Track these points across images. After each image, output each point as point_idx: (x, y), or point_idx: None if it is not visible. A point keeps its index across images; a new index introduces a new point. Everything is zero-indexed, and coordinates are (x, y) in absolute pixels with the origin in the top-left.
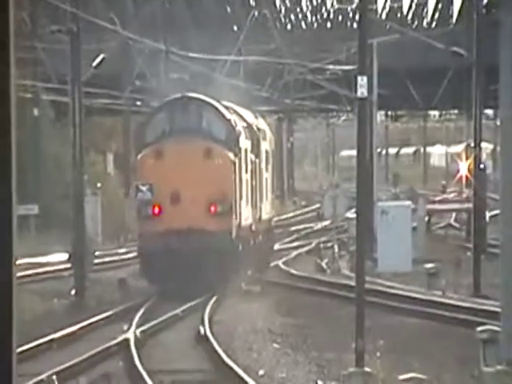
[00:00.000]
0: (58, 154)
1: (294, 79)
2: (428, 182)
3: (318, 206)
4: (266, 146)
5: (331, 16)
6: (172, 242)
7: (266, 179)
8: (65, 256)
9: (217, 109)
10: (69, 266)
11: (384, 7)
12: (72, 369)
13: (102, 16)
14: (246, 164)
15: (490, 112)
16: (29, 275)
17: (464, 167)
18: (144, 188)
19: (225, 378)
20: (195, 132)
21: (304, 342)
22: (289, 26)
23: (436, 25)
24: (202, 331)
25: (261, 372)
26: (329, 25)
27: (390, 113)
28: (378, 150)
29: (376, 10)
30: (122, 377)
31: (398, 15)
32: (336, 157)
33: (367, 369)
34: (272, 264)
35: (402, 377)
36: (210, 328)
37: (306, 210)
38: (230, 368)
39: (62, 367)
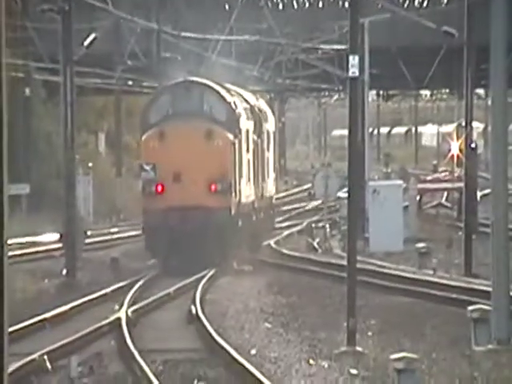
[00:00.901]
0: (50, 134)
1: (285, 59)
2: (419, 162)
3: (309, 185)
4: (267, 126)
5: None
6: (174, 218)
7: (268, 159)
8: (56, 236)
9: (218, 92)
10: (60, 245)
11: None
12: (63, 348)
13: None
14: (248, 144)
15: (481, 91)
16: (20, 255)
17: (455, 147)
18: (148, 167)
19: (216, 358)
20: (196, 114)
21: (296, 321)
22: (280, 6)
23: (428, 4)
24: (194, 310)
25: (253, 351)
26: (320, 4)
27: (381, 92)
28: (370, 129)
29: None
30: (114, 356)
31: None
32: (328, 136)
33: (359, 348)
34: (269, 241)
35: (393, 356)
36: (202, 307)
37: (298, 189)
38: (222, 347)
39: (53, 347)
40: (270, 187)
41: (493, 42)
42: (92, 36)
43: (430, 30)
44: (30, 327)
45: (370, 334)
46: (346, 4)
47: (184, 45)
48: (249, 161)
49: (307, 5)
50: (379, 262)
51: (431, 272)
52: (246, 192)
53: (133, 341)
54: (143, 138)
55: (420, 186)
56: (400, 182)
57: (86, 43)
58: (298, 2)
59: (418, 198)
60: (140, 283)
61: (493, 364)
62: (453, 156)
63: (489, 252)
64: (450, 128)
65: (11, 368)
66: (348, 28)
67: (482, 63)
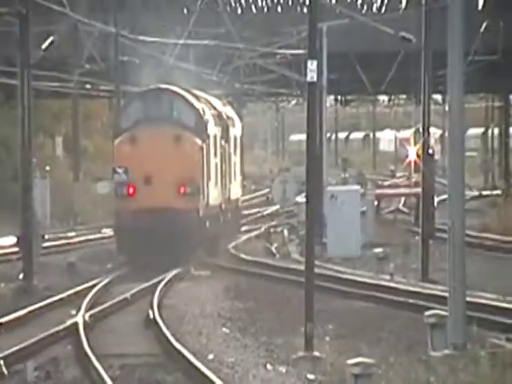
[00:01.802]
0: (7, 137)
1: (244, 63)
2: (377, 167)
3: (267, 190)
4: (234, 132)
5: (281, 0)
6: (145, 219)
7: (235, 162)
8: (13, 239)
9: (187, 99)
10: (17, 249)
11: None
12: (19, 353)
13: None
14: (215, 149)
15: (438, 97)
16: None
17: (412, 152)
18: (120, 170)
19: (174, 363)
20: (166, 120)
21: (253, 326)
22: (239, 10)
23: (385, 10)
24: (151, 315)
25: (210, 356)
26: (279, 9)
27: (339, 97)
28: (328, 134)
29: None
30: (71, 361)
31: (348, 0)
32: (286, 141)
33: (316, 353)
34: (232, 243)
35: (350, 361)
36: (160, 312)
37: (256, 194)
38: (179, 352)
39: (9, 352)
40: (237, 190)
41: (450, 48)
42: (49, 39)
43: (388, 35)
44: None
45: (327, 338)
46: (305, 9)
47: (142, 49)
48: (216, 164)
49: (266, 9)
50: (337, 267)
51: (388, 277)
52: (214, 195)
53: (90, 345)
54: (115, 142)
55: (378, 191)
56: (358, 187)
57: (43, 46)
58: (256, 7)
59: (375, 203)
60: (97, 287)
61: (449, 369)
62: (410, 161)
63: (445, 257)
64: (407, 133)
65: None
66: (306, 33)
67: (439, 69)
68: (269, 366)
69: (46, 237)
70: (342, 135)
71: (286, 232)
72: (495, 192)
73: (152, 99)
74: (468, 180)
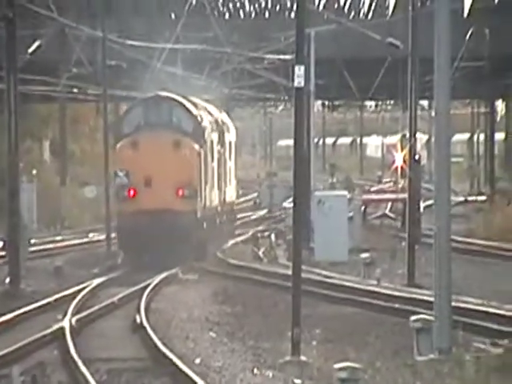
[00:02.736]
0: None
1: (232, 68)
2: (364, 172)
3: (255, 195)
4: (229, 137)
5: (269, 5)
6: (145, 220)
7: (230, 167)
8: None
9: (185, 106)
10: (3, 253)
11: None
12: (5, 358)
13: (39, 2)
14: (212, 153)
15: (425, 103)
16: None
17: (399, 158)
18: (121, 174)
19: (161, 367)
20: (166, 126)
21: (240, 330)
22: (227, 15)
23: (373, 16)
24: (138, 320)
25: (197, 360)
26: (267, 14)
27: (327, 103)
28: (315, 139)
29: (314, 1)
30: (57, 365)
31: (336, 6)
32: (273, 146)
33: (303, 358)
34: (224, 245)
35: (337, 365)
36: (147, 316)
37: (243, 199)
38: (166, 357)
39: None
40: (232, 193)
41: (436, 54)
42: (36, 43)
43: (375, 41)
44: None
45: (314, 343)
46: (293, 14)
47: (130, 53)
48: (213, 169)
49: (254, 14)
50: (324, 272)
51: (375, 282)
52: (211, 197)
53: (76, 350)
54: (117, 146)
55: (365, 196)
56: (345, 192)
57: (30, 50)
58: (244, 12)
59: (362, 208)
60: (84, 292)
61: (435, 373)
62: (397, 167)
63: (431, 262)
64: (394, 139)
65: None
66: (294, 38)
67: (425, 75)
68: (256, 371)
69: (33, 241)
70: (329, 140)
71: (273, 236)
72: (481, 198)
73: (152, 106)
74: (454, 185)
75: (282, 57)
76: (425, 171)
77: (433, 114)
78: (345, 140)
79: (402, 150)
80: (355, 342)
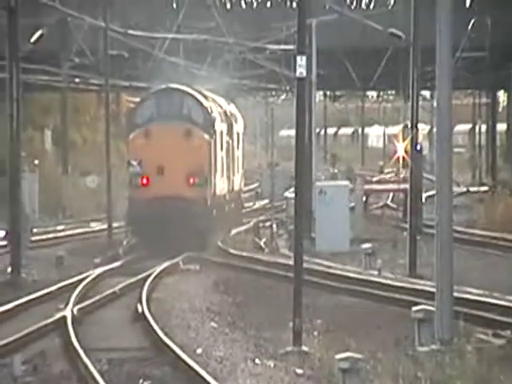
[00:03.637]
0: None
1: (233, 58)
2: (366, 163)
3: (256, 184)
4: (237, 128)
5: None
6: (157, 206)
7: (238, 157)
8: (1, 233)
9: (196, 98)
10: (5, 243)
11: None
12: (7, 347)
13: None
14: (221, 143)
15: (426, 93)
16: None
17: (401, 148)
18: (135, 163)
19: (162, 357)
20: (177, 117)
21: (242, 320)
22: (228, 5)
23: (374, 6)
24: (140, 309)
25: (198, 350)
26: (268, 4)
27: (328, 93)
28: (317, 129)
29: None
30: (59, 355)
31: None
32: (275, 136)
33: (304, 348)
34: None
35: (338, 356)
36: (148, 306)
37: (245, 188)
38: (168, 346)
39: None
40: (239, 182)
41: (438, 44)
42: (39, 32)
43: (377, 31)
44: None
45: (315, 333)
46: (294, 4)
47: (132, 42)
48: (222, 158)
49: (255, 4)
50: (325, 262)
51: (376, 272)
52: (220, 185)
53: (78, 339)
54: (130, 136)
55: (366, 186)
56: (346, 182)
57: (32, 40)
58: (245, 2)
59: (364, 198)
60: (86, 281)
61: (436, 364)
62: (399, 157)
63: (433, 253)
64: (396, 129)
65: None
66: (296, 28)
67: (427, 65)
68: (257, 361)
69: (35, 230)
70: (330, 131)
71: (274, 227)
72: (482, 188)
73: (164, 98)
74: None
75: (283, 47)
76: (426, 161)
77: (434, 104)
78: (346, 130)
79: (404, 140)
80: (356, 333)
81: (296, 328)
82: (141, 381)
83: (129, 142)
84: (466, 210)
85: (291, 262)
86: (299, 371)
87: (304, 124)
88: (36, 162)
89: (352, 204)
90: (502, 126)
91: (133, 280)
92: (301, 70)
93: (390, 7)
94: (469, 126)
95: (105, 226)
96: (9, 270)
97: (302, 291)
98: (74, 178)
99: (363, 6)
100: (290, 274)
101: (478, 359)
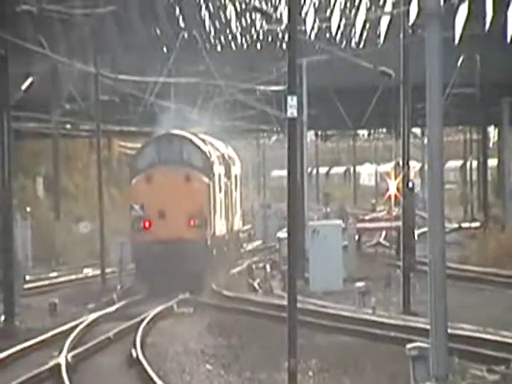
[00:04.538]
0: None
1: (224, 100)
2: (358, 201)
3: (249, 226)
4: (235, 170)
5: (261, 37)
6: (159, 249)
7: (236, 198)
8: None
9: (195, 143)
10: None
11: (312, 28)
12: None
13: (31, 38)
14: (220, 186)
15: (417, 131)
16: None
17: (393, 186)
18: (137, 206)
19: None
20: (177, 161)
21: (237, 362)
22: (219, 48)
23: (364, 45)
24: (134, 354)
25: None
26: (259, 46)
27: (319, 132)
28: (309, 169)
29: (305, 31)
30: None
31: (327, 35)
32: (267, 177)
33: None
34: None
35: None
36: (143, 351)
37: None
38: None
39: None
40: (238, 222)
41: (428, 81)
42: (29, 80)
43: (367, 70)
44: None
45: (310, 373)
46: (284, 45)
47: (122, 87)
48: (221, 200)
49: (245, 46)
50: (319, 302)
51: (370, 311)
52: (219, 226)
53: None
54: (133, 181)
55: (359, 225)
56: (339, 221)
57: (23, 87)
58: (235, 44)
59: (356, 237)
60: (80, 328)
61: None
62: (390, 195)
63: (427, 290)
64: (387, 167)
65: None
66: (286, 69)
67: (417, 102)
68: None
69: (28, 278)
70: (322, 170)
71: (268, 267)
72: (474, 224)
73: (165, 143)
74: (448, 212)
75: (274, 88)
76: (418, 199)
77: (425, 141)
78: (338, 169)
79: (396, 178)
80: (351, 371)
81: (291, 368)
82: None
83: (131, 186)
84: (459, 246)
85: (285, 303)
86: None
87: (296, 164)
88: (28, 209)
89: (345, 243)
90: (493, 162)
91: (127, 325)
92: (292, 111)
93: (379, 46)
94: (460, 162)
95: (98, 272)
96: (2, 318)
97: (297, 331)
98: (67, 224)
99: (353, 44)
100: (284, 314)
101: None
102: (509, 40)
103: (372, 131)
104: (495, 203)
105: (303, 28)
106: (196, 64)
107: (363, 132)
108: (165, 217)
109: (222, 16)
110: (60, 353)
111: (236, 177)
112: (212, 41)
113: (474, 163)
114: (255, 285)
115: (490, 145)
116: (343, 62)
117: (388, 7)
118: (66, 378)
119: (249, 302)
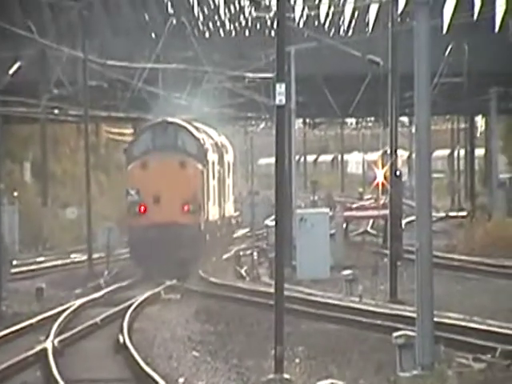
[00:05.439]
0: None
1: (212, 87)
2: (345, 189)
3: (237, 213)
4: (227, 158)
5: (249, 24)
6: (154, 233)
7: (228, 185)
8: None
9: (189, 130)
10: None
11: (301, 15)
12: None
13: (19, 23)
14: (213, 173)
15: (405, 119)
16: None
17: (380, 174)
18: (133, 192)
19: None
20: (172, 148)
21: (224, 349)
22: (207, 34)
23: (353, 33)
24: (122, 340)
25: (181, 380)
26: (247, 32)
27: (307, 120)
28: (297, 157)
29: (294, 18)
30: None
31: (316, 23)
32: (255, 164)
33: (286, 375)
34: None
35: (320, 383)
36: (130, 336)
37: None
38: (150, 376)
39: None
40: (230, 208)
41: (416, 70)
42: (17, 64)
43: (356, 58)
44: None
45: (297, 360)
46: (273, 33)
47: (110, 73)
48: (214, 186)
49: (234, 33)
50: (306, 290)
51: (357, 299)
52: (212, 212)
53: (59, 371)
54: (129, 167)
55: (346, 213)
56: (326, 209)
57: (11, 72)
58: (224, 31)
59: (344, 225)
60: (67, 313)
61: None
62: (378, 183)
63: (413, 278)
64: (375, 156)
65: None
66: (275, 56)
67: (405, 91)
68: None
69: (15, 262)
70: (310, 158)
71: (255, 255)
72: (461, 213)
73: (160, 131)
74: (435, 201)
75: (262, 75)
76: (406, 187)
77: (413, 130)
78: (326, 157)
79: (383, 166)
80: (338, 359)
81: (278, 356)
82: None
83: (127, 172)
84: (446, 235)
85: (272, 290)
86: None
87: (283, 152)
88: (15, 194)
89: (332, 231)
90: (480, 151)
91: (114, 310)
92: (280, 98)
93: (368, 34)
94: (447, 152)
95: (85, 257)
96: None
97: (284, 319)
98: (54, 209)
99: (341, 32)
100: (271, 301)
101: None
102: (497, 29)
103: (360, 119)
104: (482, 192)
105: (292, 15)
106: (184, 50)
107: (351, 120)
108: (160, 202)
109: (211, 2)
110: (47, 338)
111: (229, 164)
112: (200, 27)
113: (462, 152)
114: (242, 272)
115: (478, 134)
116: (332, 50)
117: None
118: (53, 362)
119: (236, 289)
